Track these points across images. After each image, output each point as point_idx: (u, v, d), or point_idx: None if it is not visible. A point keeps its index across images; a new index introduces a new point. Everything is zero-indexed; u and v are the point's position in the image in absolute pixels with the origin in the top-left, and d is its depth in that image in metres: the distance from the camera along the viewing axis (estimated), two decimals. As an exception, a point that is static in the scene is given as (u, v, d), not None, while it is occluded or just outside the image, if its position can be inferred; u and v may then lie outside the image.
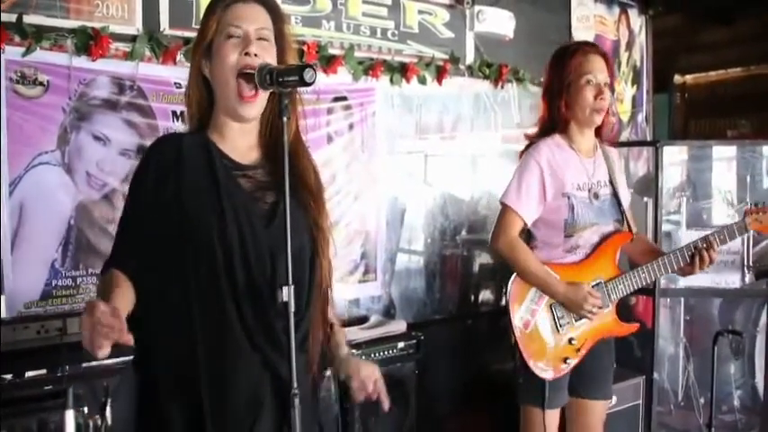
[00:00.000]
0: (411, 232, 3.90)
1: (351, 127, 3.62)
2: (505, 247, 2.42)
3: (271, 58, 1.50)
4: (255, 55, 1.46)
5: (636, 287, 2.47)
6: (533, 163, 2.43)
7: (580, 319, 2.43)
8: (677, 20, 5.74)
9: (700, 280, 3.47)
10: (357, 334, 3.20)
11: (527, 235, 2.54)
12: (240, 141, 1.55)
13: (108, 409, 1.95)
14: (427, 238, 3.96)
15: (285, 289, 1.33)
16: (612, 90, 2.44)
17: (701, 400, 3.77)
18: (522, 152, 2.53)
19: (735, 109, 6.08)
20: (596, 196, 2.47)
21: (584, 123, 2.47)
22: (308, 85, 1.35)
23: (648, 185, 3.62)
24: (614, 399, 3.22)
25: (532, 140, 2.53)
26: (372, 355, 3.13)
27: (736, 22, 5.66)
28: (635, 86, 5.18)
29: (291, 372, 1.35)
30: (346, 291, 3.55)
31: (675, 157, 4.36)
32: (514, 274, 2.45)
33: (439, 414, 3.23)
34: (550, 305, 2.43)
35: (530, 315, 2.42)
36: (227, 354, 1.44)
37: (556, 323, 2.43)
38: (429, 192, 3.93)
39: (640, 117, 5.22)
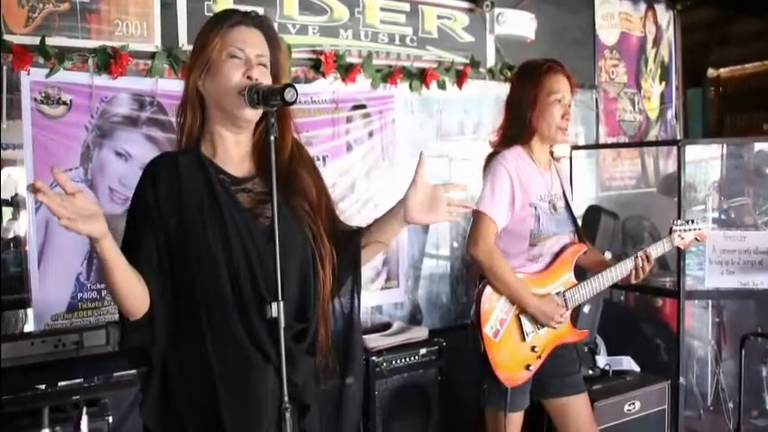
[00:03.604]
0: (437, 237, 3.90)
1: (370, 134, 3.64)
2: (484, 255, 2.46)
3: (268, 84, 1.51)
4: (256, 79, 1.49)
5: (590, 295, 2.57)
6: (503, 171, 2.48)
7: (542, 327, 2.50)
8: (708, 13, 5.61)
9: (727, 281, 3.41)
10: (379, 341, 3.22)
11: None
12: (234, 152, 1.57)
13: (84, 427, 1.99)
14: (453, 242, 3.95)
15: (275, 305, 1.35)
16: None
17: (731, 404, 3.68)
18: (488, 160, 2.58)
19: (772, 102, 5.91)
20: (555, 208, 2.56)
21: (547, 139, 2.55)
22: (289, 104, 1.37)
23: (673, 185, 3.54)
24: (638, 404, 3.19)
25: (496, 149, 2.58)
26: (394, 362, 3.16)
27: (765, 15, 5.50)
28: (663, 83, 5.08)
29: (282, 384, 1.37)
30: (368, 298, 3.56)
31: (715, 152, 4.27)
32: (483, 284, 2.49)
33: (462, 420, 3.22)
34: (517, 315, 2.49)
35: (499, 325, 2.48)
36: (239, 365, 1.47)
37: (522, 332, 2.49)
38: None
39: (669, 114, 5.11)
